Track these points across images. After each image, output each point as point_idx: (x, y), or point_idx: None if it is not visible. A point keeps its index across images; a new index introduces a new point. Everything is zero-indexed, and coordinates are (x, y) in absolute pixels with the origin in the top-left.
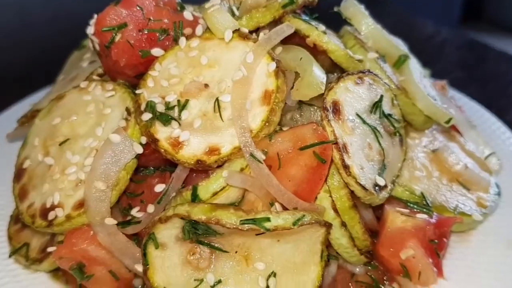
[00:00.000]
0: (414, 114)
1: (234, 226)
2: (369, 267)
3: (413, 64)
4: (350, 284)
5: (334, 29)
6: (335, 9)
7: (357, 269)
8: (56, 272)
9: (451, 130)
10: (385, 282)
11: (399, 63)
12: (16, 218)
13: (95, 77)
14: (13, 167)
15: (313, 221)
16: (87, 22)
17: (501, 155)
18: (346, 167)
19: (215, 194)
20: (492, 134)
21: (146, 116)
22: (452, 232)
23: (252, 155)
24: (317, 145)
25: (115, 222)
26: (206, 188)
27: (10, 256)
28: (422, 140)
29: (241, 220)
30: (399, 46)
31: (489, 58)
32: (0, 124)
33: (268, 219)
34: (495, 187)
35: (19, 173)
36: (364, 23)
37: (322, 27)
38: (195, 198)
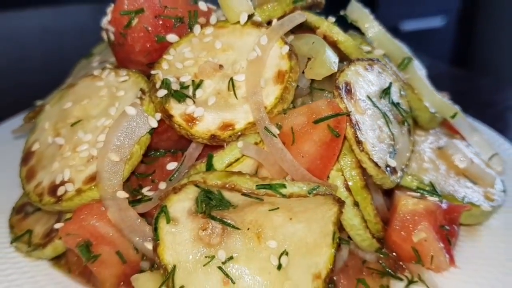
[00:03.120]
0: (420, 110)
1: (250, 191)
2: (381, 255)
3: (417, 66)
4: (362, 270)
5: None
6: (341, 12)
7: (368, 256)
8: (58, 261)
9: (454, 134)
10: (396, 271)
11: (403, 65)
12: (18, 209)
13: (108, 65)
14: (10, 172)
15: (328, 193)
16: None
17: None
18: (359, 142)
19: (229, 165)
20: (497, 149)
21: (161, 92)
22: (460, 225)
23: (266, 128)
24: (332, 117)
25: (127, 195)
26: (220, 158)
27: (12, 242)
28: (428, 138)
29: (257, 185)
30: (403, 49)
31: (484, 88)
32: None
33: (284, 186)
34: (500, 184)
35: (27, 156)
36: (370, 25)
37: (332, 19)
38: (209, 168)
